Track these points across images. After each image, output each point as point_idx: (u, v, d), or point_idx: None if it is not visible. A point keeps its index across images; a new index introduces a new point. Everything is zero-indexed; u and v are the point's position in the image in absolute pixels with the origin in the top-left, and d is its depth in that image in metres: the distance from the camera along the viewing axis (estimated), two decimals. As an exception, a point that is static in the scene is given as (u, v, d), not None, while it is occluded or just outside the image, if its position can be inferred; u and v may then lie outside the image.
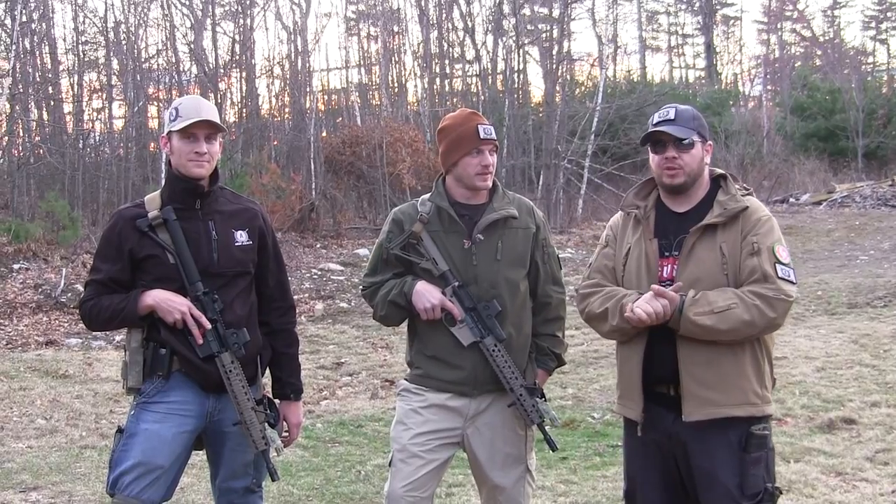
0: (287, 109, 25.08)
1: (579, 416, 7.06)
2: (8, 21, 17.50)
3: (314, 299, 12.67)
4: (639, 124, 22.82)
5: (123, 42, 21.54)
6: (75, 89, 21.07)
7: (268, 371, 3.61)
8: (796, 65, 41.32)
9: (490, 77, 26.21)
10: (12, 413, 7.35)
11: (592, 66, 31.43)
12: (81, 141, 19.82)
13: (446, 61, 27.84)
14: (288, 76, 24.99)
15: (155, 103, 22.30)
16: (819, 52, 43.85)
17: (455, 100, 26.29)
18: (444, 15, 27.09)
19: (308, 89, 24.24)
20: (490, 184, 3.52)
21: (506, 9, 25.07)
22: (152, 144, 20.09)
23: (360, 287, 3.87)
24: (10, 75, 16.34)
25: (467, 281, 3.46)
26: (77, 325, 10.78)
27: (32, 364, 9.01)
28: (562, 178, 22.16)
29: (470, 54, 26.96)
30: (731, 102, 34.21)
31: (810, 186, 25.21)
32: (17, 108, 18.17)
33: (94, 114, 22.12)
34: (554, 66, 24.66)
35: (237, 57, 23.17)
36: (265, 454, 3.35)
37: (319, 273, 14.40)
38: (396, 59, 28.90)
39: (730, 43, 50.64)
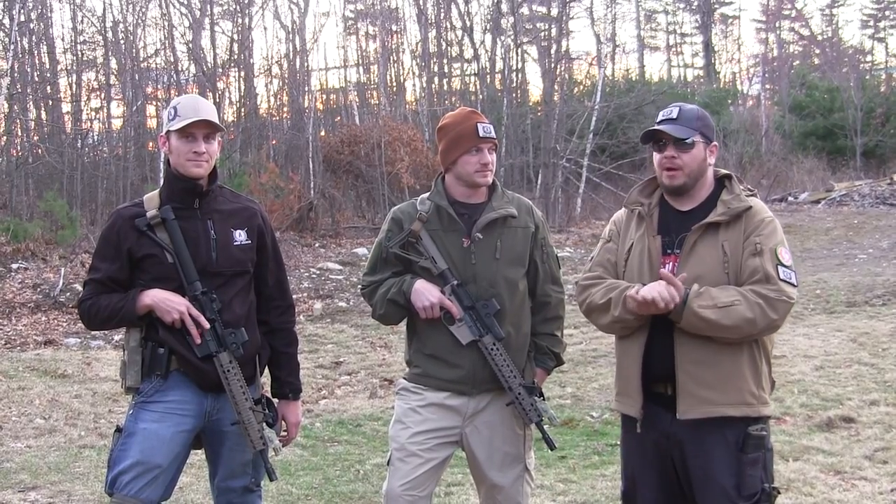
0: (285, 109, 25.08)
1: (578, 415, 7.06)
2: (6, 21, 17.50)
3: (313, 298, 12.67)
4: (637, 123, 22.84)
5: (122, 41, 21.53)
6: (74, 89, 21.07)
7: (266, 370, 3.61)
8: (795, 63, 41.33)
9: (488, 76, 26.22)
10: (11, 413, 7.35)
11: (591, 64, 31.51)
12: (80, 140, 19.83)
13: (445, 60, 27.82)
14: (286, 75, 24.99)
15: (153, 103, 22.31)
16: (817, 51, 43.88)
17: (453, 99, 26.28)
18: (443, 14, 27.10)
19: (306, 88, 24.26)
20: (490, 180, 3.52)
21: (504, 8, 25.08)
22: (151, 144, 20.06)
23: (360, 286, 3.87)
24: (8, 75, 16.32)
25: (466, 280, 3.46)
26: (76, 324, 10.77)
27: (31, 364, 9.00)
28: (560, 177, 22.17)
29: (468, 53, 27.00)
30: (729, 101, 34.23)
31: (809, 185, 25.20)
32: (16, 107, 18.17)
33: (93, 113, 22.12)
34: (552, 65, 24.67)
35: (235, 56, 23.17)
36: (263, 454, 3.35)
37: (318, 272, 14.40)
38: (395, 58, 28.94)
39: (728, 42, 50.73)
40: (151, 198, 3.41)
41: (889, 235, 17.11)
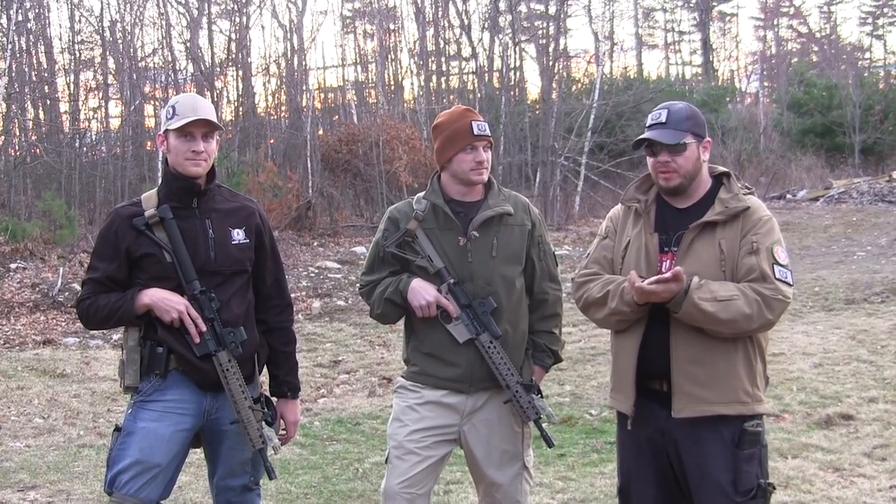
0: (283, 108, 25.08)
1: (577, 412, 7.07)
2: (3, 20, 17.47)
3: (311, 297, 12.67)
4: (636, 121, 22.82)
5: (119, 41, 21.50)
6: (71, 88, 21.06)
7: (265, 369, 3.61)
8: (793, 61, 41.30)
9: (486, 74, 26.19)
10: (10, 412, 7.35)
11: (589, 62, 31.44)
12: (78, 140, 19.80)
13: (442, 59, 27.82)
14: (284, 74, 24.96)
15: (151, 102, 22.28)
16: (816, 49, 43.89)
17: (451, 97, 26.28)
18: (441, 12, 27.06)
19: (304, 87, 24.20)
20: (485, 177, 3.52)
21: (502, 6, 25.07)
22: (149, 143, 20.04)
23: (358, 285, 3.87)
24: (6, 74, 16.30)
25: (463, 278, 3.46)
26: (74, 324, 10.77)
27: (30, 363, 9.00)
28: (559, 176, 22.16)
29: (466, 52, 26.97)
30: (727, 99, 34.20)
31: (807, 182, 25.22)
32: (14, 107, 18.14)
33: (91, 113, 22.11)
34: (550, 63, 24.62)
35: (233, 55, 23.14)
36: (262, 452, 3.35)
37: (316, 271, 14.40)
38: (393, 56, 28.87)
39: (726, 39, 50.70)
40: (149, 197, 3.41)
41: (888, 233, 17.13)
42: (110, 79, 21.63)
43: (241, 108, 23.31)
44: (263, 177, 18.12)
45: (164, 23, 22.41)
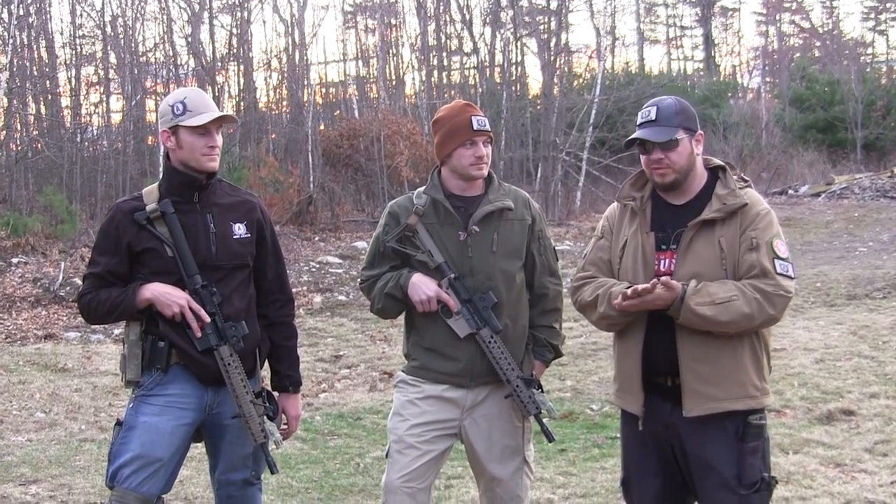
0: (285, 102, 25.12)
1: (578, 407, 7.07)
2: (4, 15, 17.48)
3: (312, 292, 12.68)
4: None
5: (121, 36, 21.50)
6: (73, 83, 21.09)
7: (266, 363, 3.61)
8: (795, 56, 41.23)
9: (488, 69, 26.17)
10: (11, 406, 7.35)
11: (590, 58, 31.40)
12: (79, 135, 19.83)
13: (444, 54, 27.79)
14: (285, 69, 24.98)
15: (152, 97, 22.29)
16: (818, 44, 43.82)
17: (453, 92, 26.24)
18: (442, 7, 27.04)
19: (306, 82, 24.22)
20: (485, 172, 3.52)
21: (503, 1, 25.03)
22: (150, 138, 20.07)
23: (358, 280, 3.87)
24: (7, 69, 16.31)
25: (463, 273, 3.46)
26: (76, 318, 10.78)
27: (31, 358, 9.01)
28: (560, 171, 22.15)
29: (468, 46, 26.93)
30: (729, 94, 34.19)
31: (809, 178, 25.18)
32: (15, 102, 18.16)
33: (92, 108, 22.14)
34: (552, 58, 24.60)
35: (234, 50, 23.15)
36: (264, 447, 3.36)
37: (318, 266, 14.40)
38: (394, 51, 28.91)
39: (728, 34, 50.65)
40: (150, 191, 3.41)
41: (889, 228, 17.11)
42: (111, 73, 21.65)
43: (242, 103, 23.35)
44: (265, 171, 18.14)
45: (165, 17, 22.45)
